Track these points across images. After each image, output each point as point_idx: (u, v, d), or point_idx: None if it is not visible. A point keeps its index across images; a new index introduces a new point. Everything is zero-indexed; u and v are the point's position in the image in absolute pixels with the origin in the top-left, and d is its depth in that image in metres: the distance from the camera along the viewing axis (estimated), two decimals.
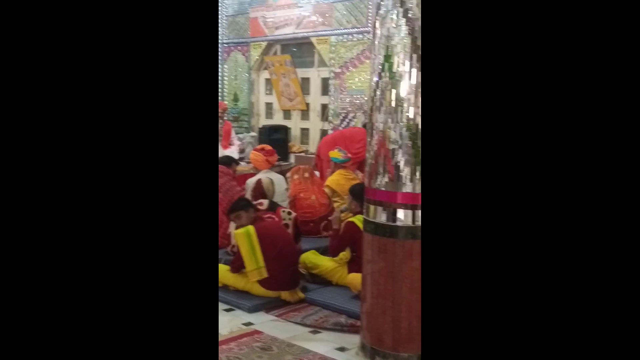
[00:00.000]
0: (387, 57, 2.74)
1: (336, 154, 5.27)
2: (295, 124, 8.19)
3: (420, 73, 2.68)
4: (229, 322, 3.37)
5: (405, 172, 2.75)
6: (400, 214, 2.77)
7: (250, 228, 3.69)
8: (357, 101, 7.04)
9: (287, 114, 8.31)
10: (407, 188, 2.76)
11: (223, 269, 3.79)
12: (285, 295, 3.71)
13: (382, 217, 2.82)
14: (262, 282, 3.71)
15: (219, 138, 6.25)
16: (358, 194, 3.71)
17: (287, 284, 3.73)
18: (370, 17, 6.53)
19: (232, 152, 6.35)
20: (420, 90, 2.69)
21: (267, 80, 8.48)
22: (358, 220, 3.60)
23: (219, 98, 8.28)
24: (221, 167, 4.68)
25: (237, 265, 3.75)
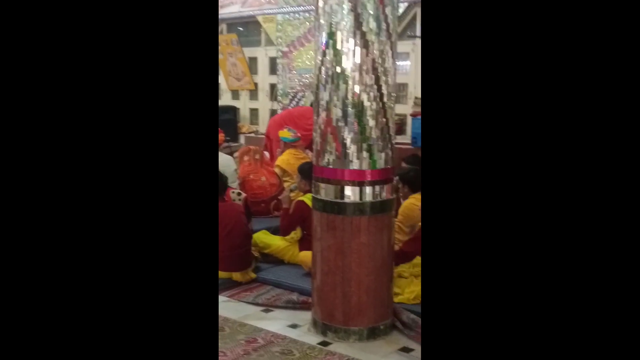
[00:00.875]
0: (331, 34, 2.74)
1: (286, 133, 5.26)
2: (244, 104, 8.10)
3: (364, 50, 2.70)
4: None
5: (352, 149, 2.77)
6: (348, 190, 2.80)
7: None
8: (306, 80, 7.01)
9: (235, 94, 8.20)
10: (354, 165, 2.78)
11: None
12: (236, 276, 3.71)
13: (330, 195, 2.84)
14: None
15: None
16: (307, 172, 3.72)
17: (237, 265, 3.73)
18: None
19: None
20: (365, 67, 2.71)
21: None
22: (307, 198, 3.62)
23: None
24: None
25: None
